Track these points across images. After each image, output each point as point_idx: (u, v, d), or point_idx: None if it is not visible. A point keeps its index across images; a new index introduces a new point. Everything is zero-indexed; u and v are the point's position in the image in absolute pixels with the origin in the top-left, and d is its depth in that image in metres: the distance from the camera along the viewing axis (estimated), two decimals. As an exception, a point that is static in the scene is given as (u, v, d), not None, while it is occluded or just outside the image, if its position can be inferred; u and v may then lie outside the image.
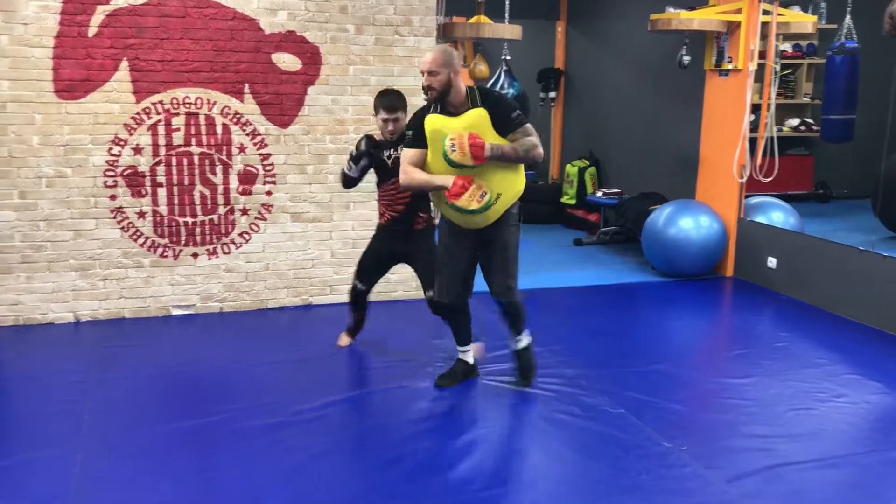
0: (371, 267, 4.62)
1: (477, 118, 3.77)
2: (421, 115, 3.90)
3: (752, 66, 6.35)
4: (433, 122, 3.82)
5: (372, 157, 4.33)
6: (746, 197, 6.73)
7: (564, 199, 9.02)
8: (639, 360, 4.77)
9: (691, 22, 6.41)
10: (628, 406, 4.05)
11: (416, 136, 3.87)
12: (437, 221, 4.35)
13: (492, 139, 3.77)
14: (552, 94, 9.46)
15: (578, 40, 9.26)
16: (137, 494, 3.17)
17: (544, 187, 9.34)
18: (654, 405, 4.08)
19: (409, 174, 3.86)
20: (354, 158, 4.32)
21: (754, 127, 6.72)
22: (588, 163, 8.85)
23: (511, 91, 8.82)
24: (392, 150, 4.30)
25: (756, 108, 6.69)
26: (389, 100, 4.26)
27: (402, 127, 4.17)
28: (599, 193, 8.25)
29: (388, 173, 4.33)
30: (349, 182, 4.46)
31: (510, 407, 4.05)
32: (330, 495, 3.17)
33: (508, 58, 8.80)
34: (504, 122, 3.80)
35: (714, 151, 6.81)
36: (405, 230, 4.41)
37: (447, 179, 3.75)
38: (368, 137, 4.35)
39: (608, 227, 8.09)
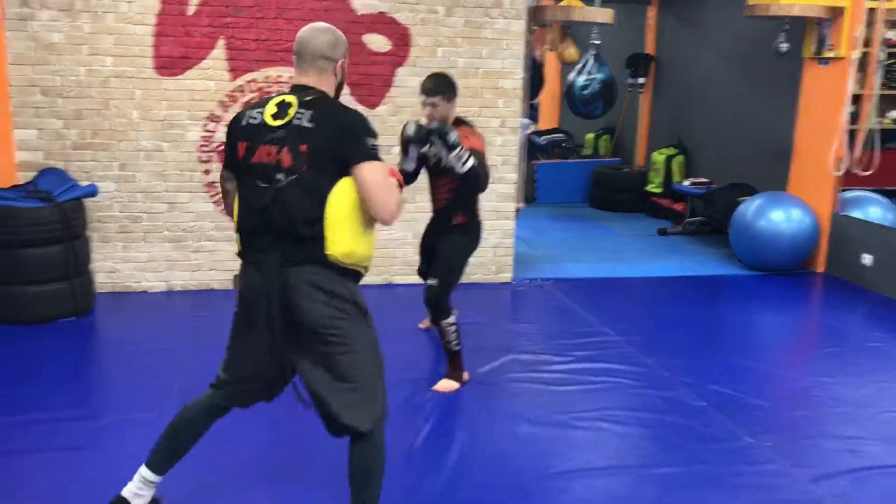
0: (421, 258, 4.45)
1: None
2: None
3: (856, 55, 6.09)
4: None
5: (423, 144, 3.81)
6: (841, 191, 6.48)
7: (650, 188, 8.87)
8: (723, 353, 4.67)
9: (792, 7, 6.19)
10: (710, 399, 3.98)
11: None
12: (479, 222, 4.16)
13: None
14: (641, 80, 9.28)
15: (670, 25, 9.05)
16: (227, 454, 3.28)
17: (629, 174, 9.20)
18: (737, 400, 3.99)
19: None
20: (402, 148, 3.85)
21: (853, 119, 6.45)
22: (676, 151, 8.66)
23: (599, 76, 8.71)
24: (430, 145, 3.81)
25: (856, 99, 6.42)
26: (430, 82, 3.90)
27: (444, 114, 3.88)
28: (687, 182, 8.08)
29: (428, 167, 4.06)
30: (405, 177, 3.85)
31: (589, 394, 4.02)
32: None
33: (598, 42, 8.68)
34: None
35: (809, 143, 6.58)
36: (442, 226, 4.17)
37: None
38: (418, 125, 3.76)
39: (694, 217, 7.92)
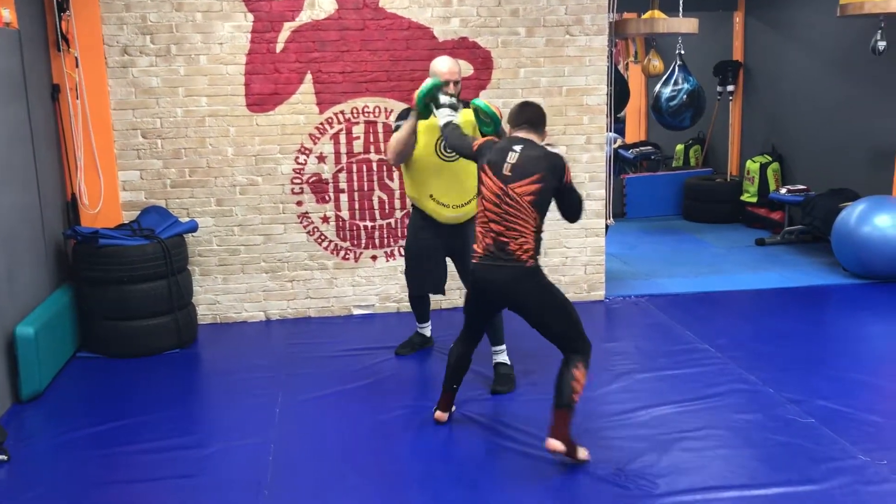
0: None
1: (468, 116, 4.16)
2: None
3: (960, 48, 5.79)
4: (429, 121, 4.17)
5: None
6: (953, 191, 6.16)
7: (745, 197, 8.61)
8: (830, 367, 4.48)
9: (888, 4, 5.93)
10: (819, 416, 3.82)
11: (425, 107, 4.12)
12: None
13: (433, 137, 4.22)
14: (730, 88, 9.06)
15: (758, 30, 8.81)
16: (328, 480, 3.34)
17: (722, 185, 8.96)
18: (848, 415, 3.82)
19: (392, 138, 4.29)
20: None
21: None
22: (770, 158, 8.40)
23: (686, 86, 8.56)
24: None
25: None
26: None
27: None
28: (783, 190, 7.81)
29: None
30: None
31: (691, 413, 3.92)
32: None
33: (683, 52, 8.55)
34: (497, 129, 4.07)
35: (914, 143, 6.27)
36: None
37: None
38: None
39: (793, 225, 7.64)
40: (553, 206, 3.57)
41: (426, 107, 4.09)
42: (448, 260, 4.56)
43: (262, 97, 5.38)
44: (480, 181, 3.54)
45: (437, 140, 4.23)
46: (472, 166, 3.86)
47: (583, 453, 3.40)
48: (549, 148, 3.52)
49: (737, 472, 3.36)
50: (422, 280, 4.57)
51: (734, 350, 4.73)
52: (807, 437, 3.61)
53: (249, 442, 3.74)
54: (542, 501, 3.16)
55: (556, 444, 3.30)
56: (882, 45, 6.26)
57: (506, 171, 3.42)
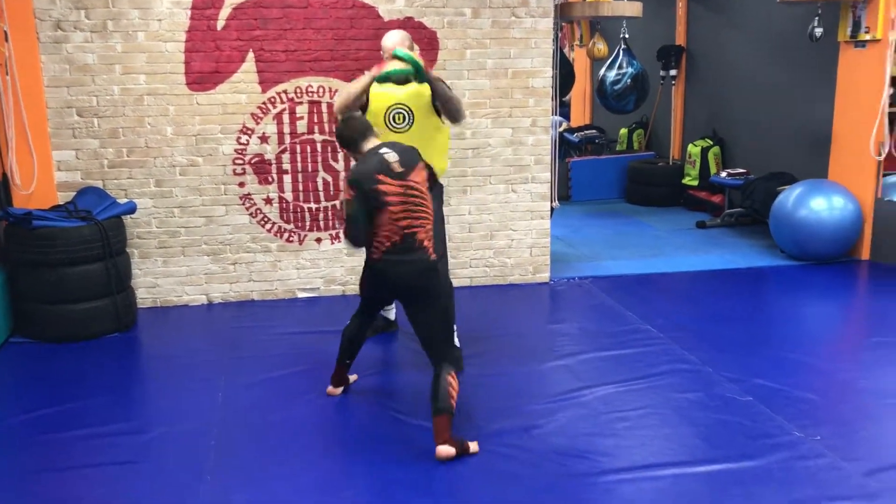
0: None
1: (423, 89, 4.13)
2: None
3: (893, 37, 5.95)
4: (380, 88, 4.17)
5: None
6: (884, 176, 6.34)
7: (686, 181, 8.76)
8: (767, 346, 4.59)
9: (825, -9, 6.06)
10: (756, 394, 3.91)
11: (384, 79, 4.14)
12: None
13: (432, 113, 4.19)
14: (673, 72, 9.17)
15: (701, 15, 8.93)
16: (271, 465, 3.30)
17: (664, 168, 9.09)
18: (784, 393, 3.92)
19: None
20: None
21: (893, 101, 6.30)
22: (711, 142, 8.55)
23: (630, 70, 8.64)
24: None
25: (895, 81, 6.27)
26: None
27: None
28: (724, 174, 7.96)
29: None
30: None
31: (633, 392, 3.97)
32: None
33: (627, 36, 8.62)
34: (423, 74, 4.11)
35: (849, 128, 6.44)
36: None
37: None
38: None
39: (733, 208, 7.80)
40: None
41: (386, 78, 4.12)
42: None
43: (203, 76, 5.25)
44: (380, 194, 3.44)
45: (387, 111, 4.18)
46: (421, 136, 4.02)
47: (473, 447, 3.40)
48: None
49: (677, 450, 3.43)
50: None
51: (675, 330, 4.81)
52: (745, 415, 3.70)
53: (191, 427, 3.68)
54: (489, 481, 3.17)
55: (445, 452, 3.30)
56: (819, 31, 6.40)
57: (396, 169, 3.48)
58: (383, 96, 4.16)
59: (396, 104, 4.14)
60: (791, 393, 3.93)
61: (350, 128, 3.65)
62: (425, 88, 4.15)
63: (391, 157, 3.49)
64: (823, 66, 6.70)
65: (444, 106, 4.19)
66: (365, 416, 3.79)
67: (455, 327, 3.80)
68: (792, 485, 3.10)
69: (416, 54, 4.12)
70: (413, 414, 3.74)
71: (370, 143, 3.60)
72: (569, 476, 3.20)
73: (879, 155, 6.15)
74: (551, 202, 5.98)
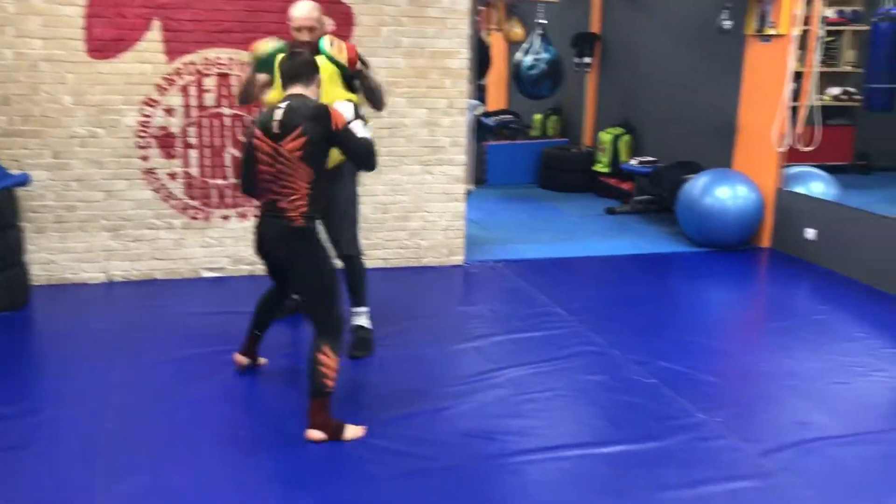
0: None
1: (328, 63, 3.91)
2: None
3: (796, 32, 6.15)
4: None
5: None
6: (785, 167, 6.57)
7: (597, 167, 8.89)
8: (673, 330, 4.69)
9: (734, -15, 6.21)
10: (661, 376, 3.99)
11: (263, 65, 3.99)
12: None
13: (337, 85, 3.94)
14: (587, 60, 9.26)
15: (615, 4, 9.05)
16: (171, 447, 3.19)
17: (576, 155, 9.21)
18: (688, 376, 4.01)
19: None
20: None
21: (795, 95, 6.53)
22: (623, 130, 8.69)
23: (546, 55, 8.69)
24: None
25: (798, 76, 6.49)
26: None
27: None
28: (634, 162, 8.11)
29: None
30: None
31: (542, 374, 4.00)
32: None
33: (544, 21, 8.65)
34: (348, 73, 3.96)
35: (753, 120, 6.64)
36: None
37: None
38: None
39: (642, 195, 7.96)
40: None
41: (263, 65, 3.95)
42: None
43: (105, 43, 5.00)
44: (254, 149, 3.36)
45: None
46: None
47: (351, 432, 3.28)
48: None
49: (583, 431, 3.47)
50: None
51: (585, 314, 4.87)
52: (649, 397, 3.77)
53: (85, 410, 3.51)
54: (393, 463, 3.14)
55: (313, 435, 3.21)
56: (728, 24, 6.57)
57: (275, 129, 3.30)
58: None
59: None
60: (694, 375, 4.02)
61: (284, 63, 3.48)
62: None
63: (278, 115, 3.31)
64: (731, 58, 6.88)
65: (369, 97, 4.06)
66: (269, 400, 3.70)
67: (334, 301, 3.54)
68: (692, 465, 3.17)
69: (338, 49, 3.86)
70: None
71: (292, 89, 3.39)
72: (475, 458, 3.19)
73: (781, 147, 6.36)
74: (467, 185, 5.96)
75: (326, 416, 3.25)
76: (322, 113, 3.29)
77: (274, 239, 3.39)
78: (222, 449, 3.25)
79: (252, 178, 3.44)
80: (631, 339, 4.50)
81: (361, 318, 4.29)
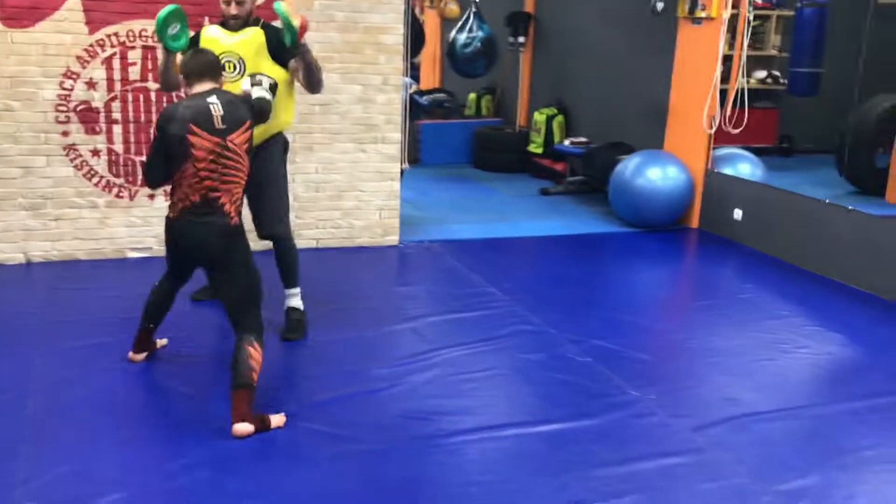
0: None
1: (254, 36, 3.87)
2: (198, 32, 3.97)
3: (726, 16, 6.25)
4: (210, 34, 3.92)
5: None
6: (714, 149, 6.70)
7: (531, 148, 8.91)
8: (605, 309, 4.74)
9: (666, -33, 6.27)
10: (595, 355, 4.03)
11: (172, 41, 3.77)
12: None
13: (265, 60, 3.86)
14: (521, 39, 9.24)
15: (549, -16, 9.06)
16: (94, 433, 3.07)
17: (511, 135, 9.22)
18: (620, 354, 4.06)
19: None
20: None
21: (724, 78, 6.65)
22: (557, 111, 8.72)
23: (480, 34, 8.65)
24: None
25: (726, 60, 6.61)
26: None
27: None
28: (567, 142, 8.16)
29: None
30: None
31: (478, 354, 3.99)
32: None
33: None
34: (281, 48, 3.84)
35: (684, 101, 6.74)
36: None
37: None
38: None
39: (575, 176, 8.02)
40: None
41: (170, 38, 3.69)
42: None
43: (19, 10, 4.75)
44: (188, 146, 3.19)
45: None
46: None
47: (275, 420, 3.20)
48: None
49: (519, 410, 3.48)
50: None
51: (519, 293, 4.89)
52: (584, 375, 3.80)
53: (3, 397, 3.35)
54: (325, 446, 3.09)
55: (241, 429, 3.09)
56: (660, 5, 6.64)
57: (218, 125, 3.21)
58: (211, 42, 3.86)
59: (224, 52, 3.81)
60: (627, 353, 4.07)
61: (190, 61, 3.35)
62: (257, 35, 3.86)
63: (217, 109, 3.22)
64: (663, 40, 6.95)
65: (307, 76, 3.93)
66: (192, 384, 3.60)
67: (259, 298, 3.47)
68: (626, 442, 3.21)
69: (294, 13, 3.70)
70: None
71: (204, 86, 3.30)
72: (412, 439, 3.17)
73: (711, 128, 6.48)
74: (401, 164, 5.90)
75: (251, 409, 3.16)
76: (248, 101, 3.42)
77: (203, 240, 3.27)
78: (146, 435, 3.15)
79: (169, 173, 3.28)
80: (565, 317, 4.53)
81: (294, 300, 4.21)
